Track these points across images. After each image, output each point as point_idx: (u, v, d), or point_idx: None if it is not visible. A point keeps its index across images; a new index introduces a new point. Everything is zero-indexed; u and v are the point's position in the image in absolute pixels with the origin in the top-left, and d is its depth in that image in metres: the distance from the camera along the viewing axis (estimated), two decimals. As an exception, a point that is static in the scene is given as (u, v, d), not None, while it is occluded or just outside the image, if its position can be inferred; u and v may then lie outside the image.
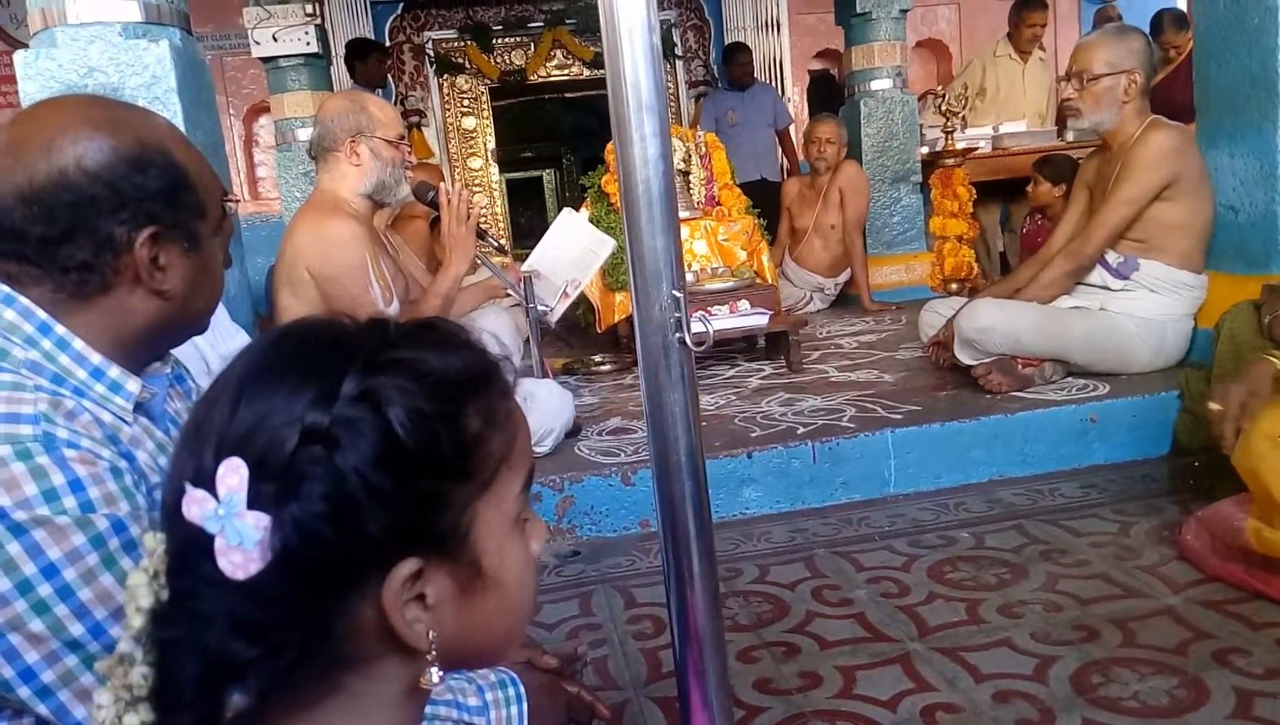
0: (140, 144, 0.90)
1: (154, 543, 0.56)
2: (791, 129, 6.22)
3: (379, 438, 0.55)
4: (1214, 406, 1.86)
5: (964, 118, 4.36)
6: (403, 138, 2.41)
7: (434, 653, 0.59)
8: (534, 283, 2.69)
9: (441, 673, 0.60)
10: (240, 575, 0.53)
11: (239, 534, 0.53)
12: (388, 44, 6.94)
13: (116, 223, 0.88)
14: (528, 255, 2.91)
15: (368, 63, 5.29)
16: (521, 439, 0.64)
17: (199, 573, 0.54)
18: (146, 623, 0.55)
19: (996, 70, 5.21)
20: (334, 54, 5.48)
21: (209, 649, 0.54)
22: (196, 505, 0.54)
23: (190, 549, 0.54)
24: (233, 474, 0.53)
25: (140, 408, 0.94)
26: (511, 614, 0.64)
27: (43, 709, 0.79)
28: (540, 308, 2.69)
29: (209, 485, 0.53)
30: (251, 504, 0.53)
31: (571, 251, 2.81)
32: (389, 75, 6.79)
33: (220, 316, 1.97)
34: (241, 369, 0.59)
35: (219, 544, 0.53)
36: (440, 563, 0.58)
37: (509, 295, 2.79)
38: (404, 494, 0.55)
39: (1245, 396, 1.82)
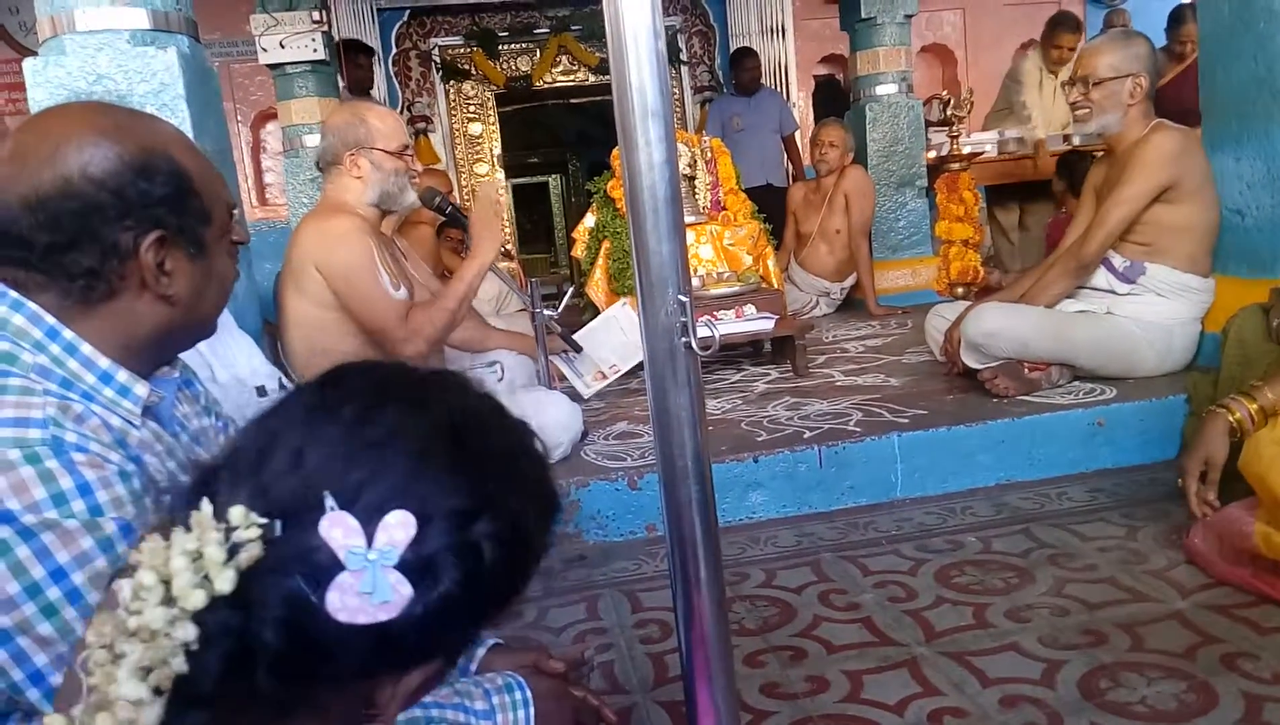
0: (145, 150, 0.90)
1: (242, 517, 0.54)
2: (797, 135, 6.23)
3: (504, 544, 0.59)
4: (1180, 482, 1.92)
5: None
6: (406, 147, 2.42)
7: None
8: (575, 358, 2.88)
9: None
10: (341, 618, 0.52)
11: (375, 585, 0.52)
12: (393, 50, 6.97)
13: (122, 229, 0.89)
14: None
15: (351, 65, 5.30)
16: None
17: (281, 587, 0.53)
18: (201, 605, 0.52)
19: (1023, 81, 5.18)
20: (340, 57, 5.49)
21: (253, 644, 0.53)
22: (341, 532, 0.53)
23: (289, 560, 0.53)
24: (401, 530, 0.53)
25: (149, 411, 0.94)
26: None
27: (50, 712, 0.79)
28: (578, 384, 2.87)
29: (361, 517, 0.53)
30: (400, 566, 0.53)
31: (616, 339, 2.94)
32: (390, 77, 6.83)
33: (225, 322, 1.97)
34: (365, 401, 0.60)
35: (344, 579, 0.52)
36: None
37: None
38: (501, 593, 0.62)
39: (1202, 463, 1.87)
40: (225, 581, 0.52)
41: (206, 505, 0.53)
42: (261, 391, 1.89)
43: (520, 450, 0.65)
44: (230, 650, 0.53)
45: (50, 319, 0.89)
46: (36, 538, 0.77)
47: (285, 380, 2.06)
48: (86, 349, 0.89)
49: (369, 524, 0.54)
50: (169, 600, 0.51)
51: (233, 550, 0.52)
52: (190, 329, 1.00)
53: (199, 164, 0.96)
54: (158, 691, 0.51)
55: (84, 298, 0.90)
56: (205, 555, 0.52)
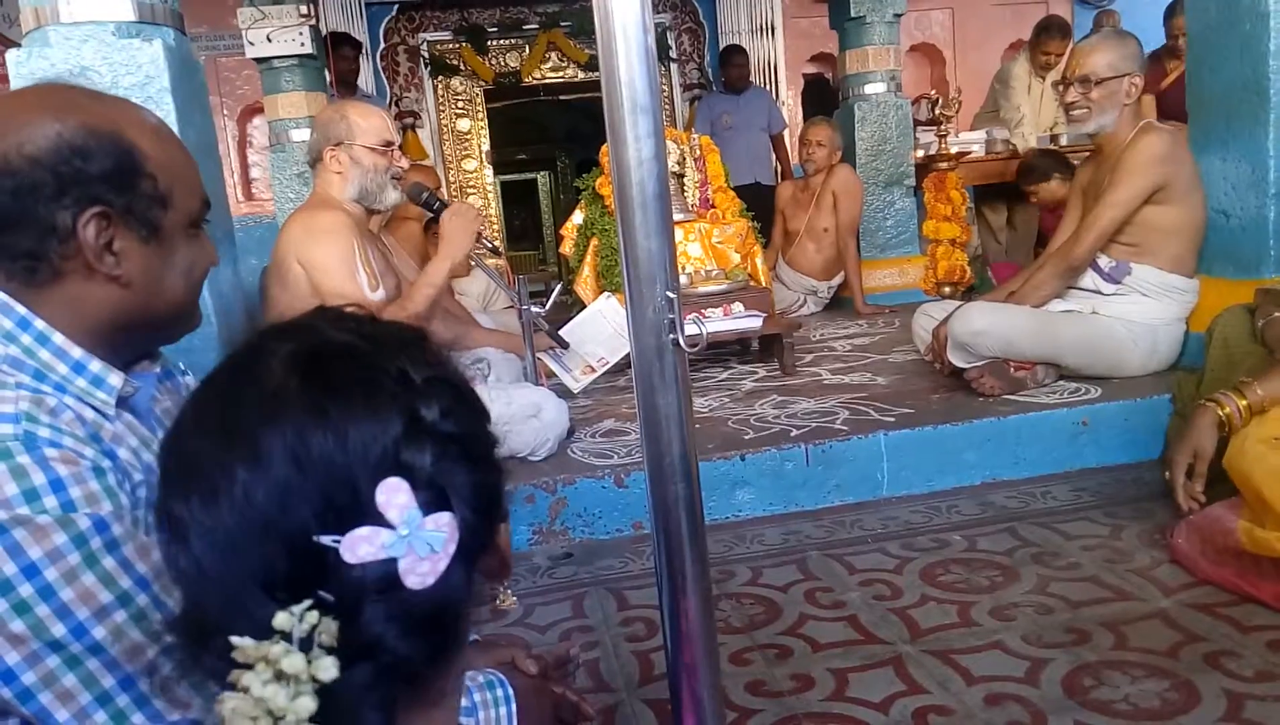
0: (86, 127, 0.87)
1: (289, 621, 0.53)
2: (786, 134, 6.23)
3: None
4: (1167, 475, 1.95)
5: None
6: (390, 144, 2.41)
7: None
8: (562, 354, 2.86)
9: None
10: (431, 581, 0.55)
11: (425, 544, 0.55)
12: (382, 45, 6.93)
13: (59, 208, 0.86)
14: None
15: (336, 58, 5.27)
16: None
17: (377, 605, 0.55)
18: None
19: (1011, 85, 5.19)
20: (329, 55, 5.46)
21: (396, 665, 0.57)
22: (366, 543, 0.54)
23: (368, 590, 0.54)
24: (399, 493, 0.55)
25: (124, 403, 0.93)
26: None
27: (25, 711, 0.78)
28: (566, 379, 2.86)
29: (362, 518, 0.54)
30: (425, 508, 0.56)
31: (604, 332, 2.92)
32: (378, 72, 6.79)
33: None
34: (296, 410, 0.57)
35: (405, 565, 0.54)
36: None
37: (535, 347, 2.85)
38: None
39: (1190, 456, 1.89)
40: (326, 670, 0.52)
41: (244, 640, 0.52)
42: None
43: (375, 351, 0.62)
44: (382, 690, 0.56)
45: (21, 308, 0.87)
46: (8, 534, 0.76)
47: None
48: (59, 338, 0.88)
49: (371, 516, 0.55)
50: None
51: (304, 643, 0.53)
52: (156, 317, 0.96)
53: (161, 148, 0.93)
54: None
55: (28, 280, 0.88)
56: (287, 669, 0.52)
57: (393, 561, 0.54)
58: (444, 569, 0.56)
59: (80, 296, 0.90)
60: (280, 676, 0.52)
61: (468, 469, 0.59)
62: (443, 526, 0.56)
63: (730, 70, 5.97)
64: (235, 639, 0.52)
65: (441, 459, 0.58)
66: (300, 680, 0.52)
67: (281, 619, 0.52)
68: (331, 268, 2.26)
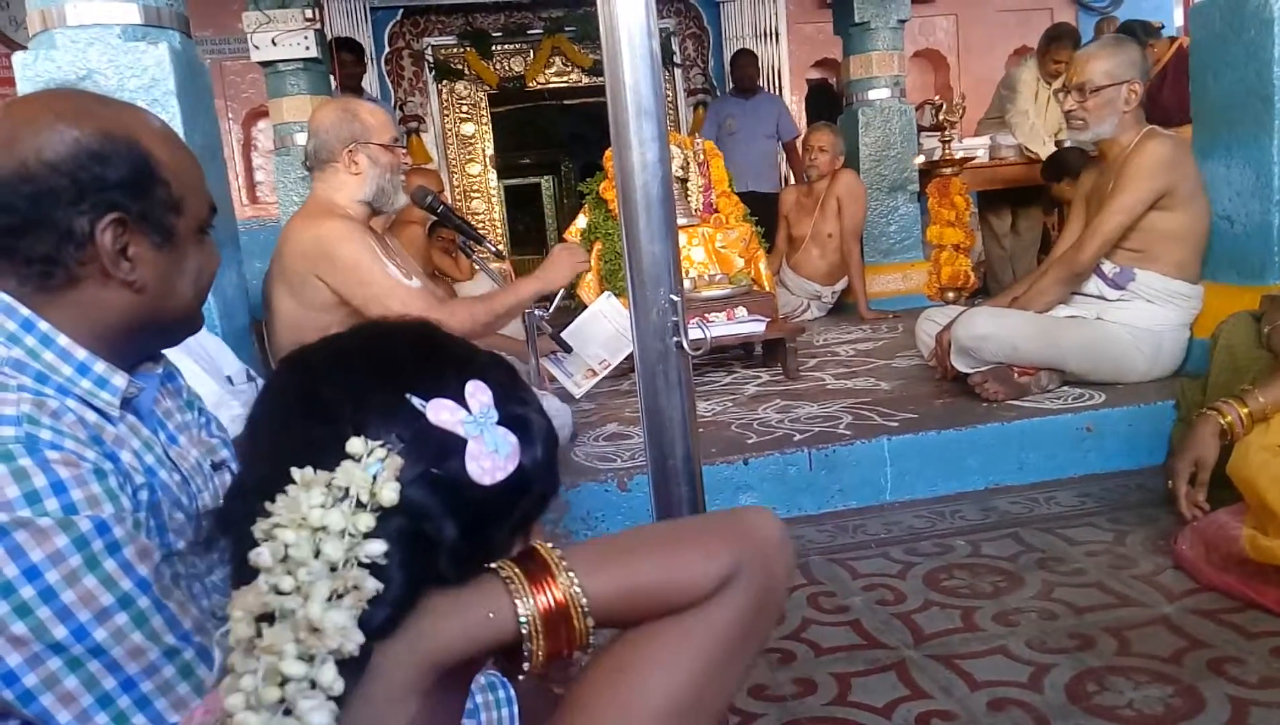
0: (103, 134, 0.88)
1: (362, 447, 0.58)
2: (799, 141, 6.21)
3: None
4: (1170, 483, 1.95)
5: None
6: (396, 140, 2.40)
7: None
8: (564, 359, 2.83)
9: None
10: (486, 480, 0.61)
11: (495, 441, 0.61)
12: (386, 49, 6.95)
13: (76, 214, 0.86)
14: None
15: (337, 63, 5.28)
16: None
17: (425, 483, 0.59)
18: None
19: (1018, 90, 5.18)
20: (333, 56, 5.47)
21: (428, 538, 0.59)
22: (448, 412, 0.61)
23: (435, 458, 0.60)
24: (483, 392, 0.63)
25: (128, 404, 0.93)
26: None
27: (27, 713, 0.78)
28: (568, 383, 2.84)
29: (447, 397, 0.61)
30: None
31: (604, 332, 2.90)
32: (383, 76, 6.81)
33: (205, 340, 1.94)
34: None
35: (473, 448, 0.60)
36: None
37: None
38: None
39: (1192, 465, 1.89)
40: (389, 492, 0.57)
41: (356, 440, 0.58)
42: (229, 381, 1.86)
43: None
44: (408, 555, 0.58)
45: (24, 310, 0.87)
46: (9, 536, 0.76)
47: (253, 373, 2.03)
48: (63, 340, 0.88)
49: (458, 399, 0.62)
50: (330, 537, 0.56)
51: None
52: (165, 321, 0.97)
53: (172, 154, 0.94)
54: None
55: (42, 285, 0.88)
56: (355, 483, 0.57)
57: (462, 442, 0.60)
58: (499, 480, 0.61)
59: (93, 301, 0.90)
60: (344, 497, 0.57)
61: (533, 438, 0.65)
62: (511, 440, 0.62)
63: (737, 70, 5.98)
64: (299, 472, 0.57)
65: (516, 414, 0.65)
66: (362, 499, 0.57)
67: (355, 444, 0.58)
68: (364, 270, 2.20)
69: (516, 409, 0.65)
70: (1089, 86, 2.64)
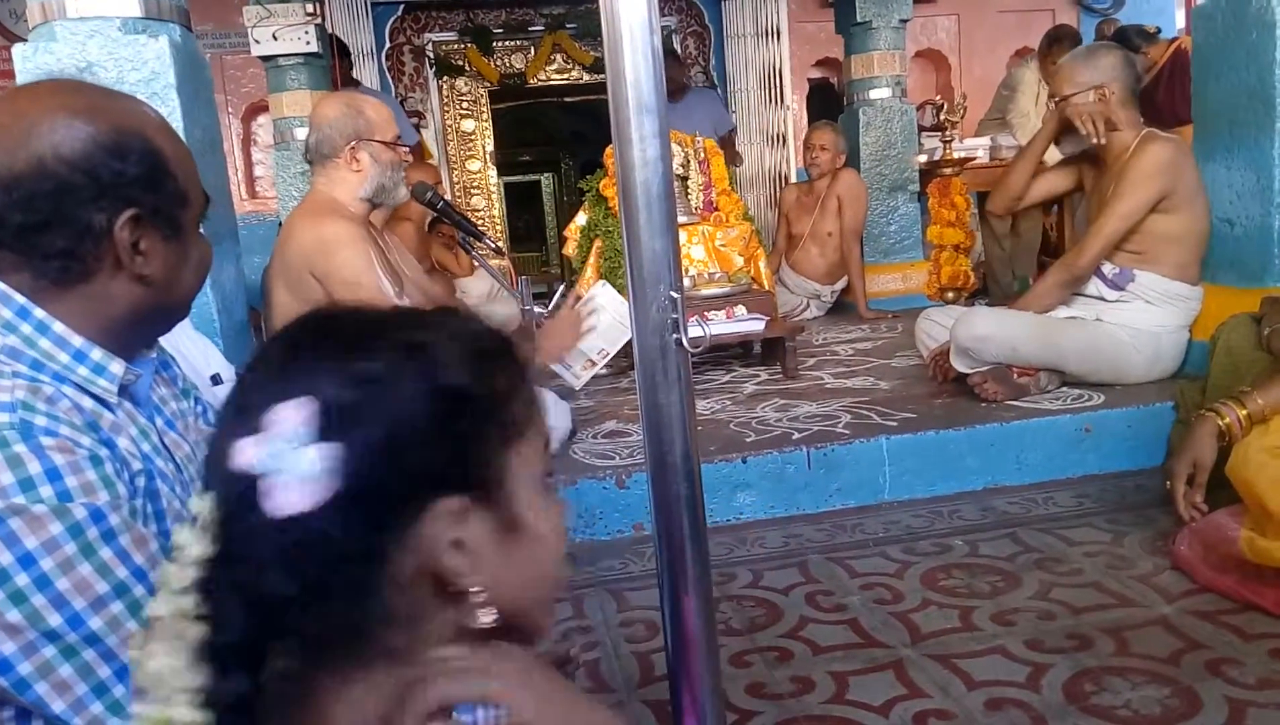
0: (118, 130, 0.89)
1: (200, 503, 0.56)
2: (736, 134, 6.14)
3: (425, 383, 0.59)
4: (1168, 484, 1.95)
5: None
6: (399, 137, 2.39)
7: (482, 597, 0.60)
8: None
9: (495, 615, 0.60)
10: (298, 509, 0.54)
11: (291, 464, 0.54)
12: (387, 45, 6.94)
13: (95, 210, 0.87)
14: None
15: (335, 63, 5.26)
16: (539, 406, 0.68)
17: (247, 524, 0.55)
18: (197, 573, 0.55)
19: (1019, 90, 5.17)
20: (334, 54, 5.46)
21: (260, 592, 0.54)
22: (252, 449, 0.55)
23: (238, 503, 0.55)
24: (298, 410, 0.55)
25: (125, 391, 0.93)
26: (545, 572, 0.66)
27: (22, 700, 0.78)
28: (567, 376, 2.80)
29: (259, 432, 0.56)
30: (317, 439, 0.55)
31: (602, 322, 2.88)
32: (383, 72, 6.80)
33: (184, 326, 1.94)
34: (284, 343, 0.62)
35: (277, 482, 0.54)
36: (480, 506, 0.60)
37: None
38: (447, 431, 0.59)
39: (1191, 466, 1.89)
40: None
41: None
42: (216, 379, 1.86)
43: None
44: (246, 609, 0.54)
45: (20, 298, 0.87)
46: (3, 523, 0.76)
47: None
48: (59, 328, 0.88)
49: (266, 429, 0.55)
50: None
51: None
52: (166, 311, 0.98)
53: (175, 146, 0.95)
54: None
55: (59, 279, 0.88)
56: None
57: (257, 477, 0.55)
58: (313, 502, 0.54)
59: (102, 294, 0.91)
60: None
61: (417, 412, 0.58)
62: (326, 455, 0.54)
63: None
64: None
65: (378, 394, 0.57)
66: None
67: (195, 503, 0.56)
68: (359, 278, 2.21)
69: (348, 407, 0.57)
70: (1058, 97, 2.74)
